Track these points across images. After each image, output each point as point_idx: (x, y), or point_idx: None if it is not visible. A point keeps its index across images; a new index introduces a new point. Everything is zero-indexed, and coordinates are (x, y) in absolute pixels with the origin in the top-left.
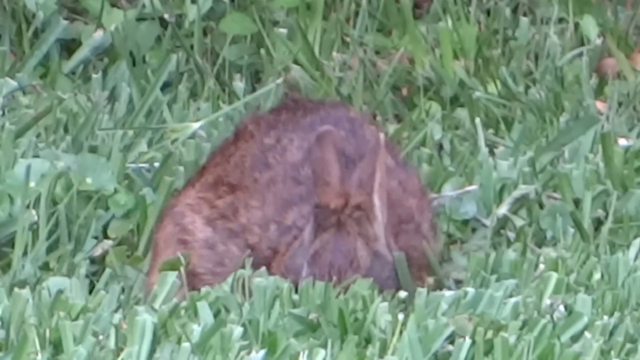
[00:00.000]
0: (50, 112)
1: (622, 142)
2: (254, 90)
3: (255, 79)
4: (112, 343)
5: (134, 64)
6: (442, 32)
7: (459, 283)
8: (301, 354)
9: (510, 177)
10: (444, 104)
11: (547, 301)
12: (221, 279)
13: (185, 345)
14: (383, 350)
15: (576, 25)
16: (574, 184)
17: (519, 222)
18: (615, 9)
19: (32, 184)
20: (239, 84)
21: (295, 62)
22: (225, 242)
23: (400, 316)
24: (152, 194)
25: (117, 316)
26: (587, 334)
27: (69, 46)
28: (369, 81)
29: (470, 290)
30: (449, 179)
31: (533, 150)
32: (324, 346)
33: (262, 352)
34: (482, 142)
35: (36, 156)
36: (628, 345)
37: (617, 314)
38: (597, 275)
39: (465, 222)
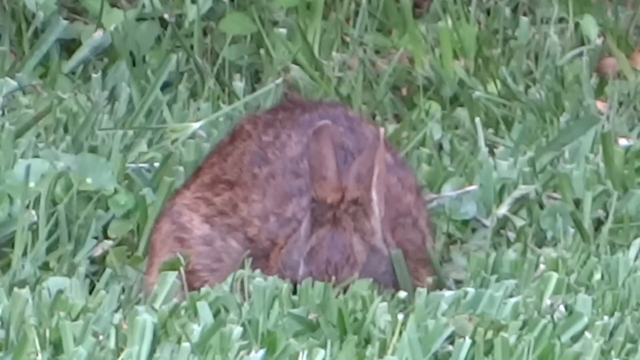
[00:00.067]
0: (50, 112)
1: (623, 142)
2: (253, 90)
3: (255, 79)
4: (112, 343)
5: (134, 64)
6: (442, 32)
7: (459, 283)
8: (301, 354)
9: (510, 177)
10: (444, 104)
11: (547, 301)
12: (219, 275)
13: (185, 345)
14: (383, 350)
15: (576, 25)
16: (574, 184)
17: (519, 222)
18: (615, 9)
19: (31, 184)
20: (238, 84)
21: (295, 62)
22: (224, 237)
23: (400, 316)
24: (152, 194)
25: (117, 316)
26: (587, 334)
27: (69, 46)
28: (368, 81)
29: (470, 290)
30: (449, 179)
31: (533, 150)
32: (324, 346)
33: (262, 352)
34: (482, 142)
35: (36, 156)
36: (628, 346)
37: (617, 314)
38: (597, 276)
39: (465, 223)
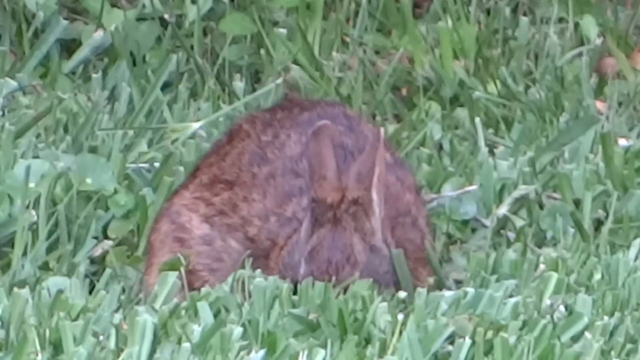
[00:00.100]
0: (50, 112)
1: (622, 142)
2: (254, 90)
3: (255, 79)
4: (112, 343)
5: (134, 64)
6: (442, 32)
7: (459, 283)
8: (301, 354)
9: (510, 177)
10: (444, 104)
11: (547, 301)
12: (219, 275)
13: (186, 345)
14: (383, 350)
15: (576, 25)
16: (574, 184)
17: (519, 222)
18: (615, 9)
19: (31, 185)
20: (239, 84)
21: (295, 62)
22: (223, 237)
23: (400, 316)
24: (152, 194)
25: (118, 316)
26: (587, 334)
27: (69, 46)
28: (368, 81)
29: (470, 290)
30: (449, 179)
31: (533, 151)
32: (324, 346)
33: (262, 352)
34: (482, 142)
35: (36, 156)
36: (628, 346)
37: (617, 314)
38: (597, 276)
39: (465, 223)
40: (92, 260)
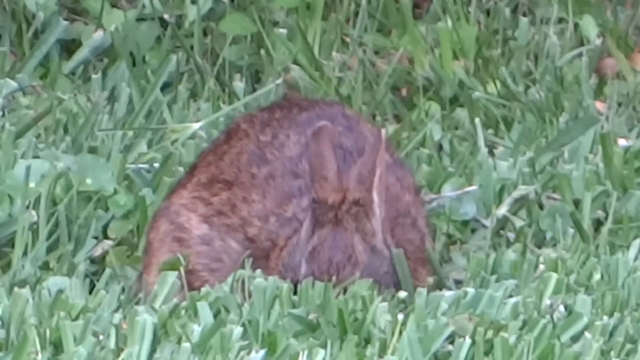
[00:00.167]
0: (50, 113)
1: (622, 142)
2: (254, 90)
3: (255, 79)
4: (112, 343)
5: (134, 64)
6: (442, 32)
7: (458, 283)
8: (301, 354)
9: (510, 178)
10: (444, 104)
11: (547, 301)
12: (218, 275)
13: (185, 345)
14: (383, 350)
15: (576, 25)
16: (574, 184)
17: (518, 222)
18: (615, 9)
19: (32, 185)
20: (239, 84)
21: (295, 62)
22: (222, 237)
23: (400, 316)
24: (151, 195)
25: (117, 316)
26: (587, 334)
27: (69, 47)
28: (368, 81)
29: (470, 290)
30: (449, 180)
31: (533, 151)
32: (324, 346)
33: (262, 352)
34: (481, 143)
35: (36, 157)
36: (628, 346)
37: (617, 315)
38: (597, 276)
39: (465, 223)
40: (92, 260)
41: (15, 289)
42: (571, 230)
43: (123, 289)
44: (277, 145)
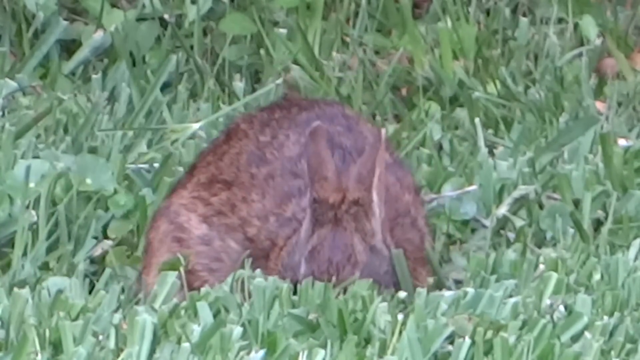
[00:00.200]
0: (50, 113)
1: (622, 142)
2: (253, 90)
3: (255, 79)
4: (112, 343)
5: (133, 65)
6: (442, 32)
7: (458, 283)
8: (301, 354)
9: (510, 178)
10: (444, 104)
11: (547, 301)
12: (218, 275)
13: (185, 345)
14: (383, 350)
15: (576, 25)
16: (574, 184)
17: (518, 222)
18: (615, 9)
19: (32, 185)
20: (238, 84)
21: (295, 62)
22: (222, 237)
23: (400, 316)
24: (151, 195)
25: (117, 316)
26: (587, 334)
27: (68, 47)
28: (368, 81)
29: (470, 290)
30: (449, 179)
31: (533, 151)
32: (324, 346)
33: (262, 352)
34: (481, 142)
35: (36, 157)
36: (628, 346)
37: (617, 314)
38: (597, 276)
39: (465, 223)
40: (92, 260)
41: (15, 289)
42: (571, 230)
43: (123, 289)
44: (277, 145)
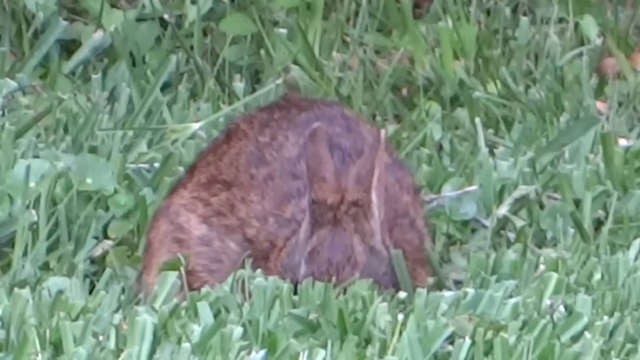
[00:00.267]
0: (50, 113)
1: (622, 142)
2: (253, 90)
3: (255, 79)
4: (112, 343)
5: (133, 65)
6: (442, 32)
7: (458, 284)
8: (301, 354)
9: (510, 178)
10: (444, 104)
11: (547, 301)
12: (218, 275)
13: (186, 345)
14: (383, 350)
15: (576, 25)
16: (574, 184)
17: (519, 222)
18: (615, 9)
19: (32, 184)
20: (239, 85)
21: (295, 62)
22: (222, 238)
23: (400, 316)
24: (152, 195)
25: (117, 316)
26: (587, 334)
27: (68, 47)
28: (368, 81)
29: (470, 290)
30: (449, 179)
31: (533, 151)
32: (324, 346)
33: (262, 352)
34: (482, 142)
35: (36, 156)
36: (628, 346)
37: (617, 314)
38: (597, 276)
39: (465, 223)
40: (92, 260)
41: (15, 289)
42: (571, 230)
43: (123, 289)
44: (276, 146)
